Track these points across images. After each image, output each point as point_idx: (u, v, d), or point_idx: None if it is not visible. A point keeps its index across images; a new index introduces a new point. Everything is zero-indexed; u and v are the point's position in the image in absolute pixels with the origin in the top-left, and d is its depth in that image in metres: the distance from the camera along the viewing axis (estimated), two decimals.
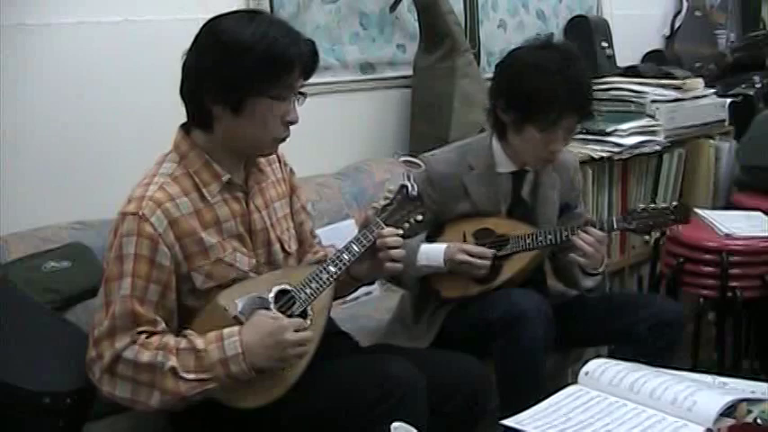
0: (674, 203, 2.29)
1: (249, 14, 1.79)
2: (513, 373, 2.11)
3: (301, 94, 1.80)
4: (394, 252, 1.88)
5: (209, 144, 1.80)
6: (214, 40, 1.74)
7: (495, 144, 2.33)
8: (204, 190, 1.77)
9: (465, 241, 2.29)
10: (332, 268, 1.82)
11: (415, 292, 2.38)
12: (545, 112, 2.17)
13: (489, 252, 2.24)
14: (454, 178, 2.30)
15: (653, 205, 2.28)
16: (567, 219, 2.39)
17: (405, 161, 2.13)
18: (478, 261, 2.23)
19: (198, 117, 1.78)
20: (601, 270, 2.28)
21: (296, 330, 1.72)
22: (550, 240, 2.24)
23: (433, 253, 2.25)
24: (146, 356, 1.66)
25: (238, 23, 1.74)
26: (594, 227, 2.22)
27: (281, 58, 1.72)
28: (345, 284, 1.94)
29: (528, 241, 2.25)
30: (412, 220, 1.94)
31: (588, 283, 2.30)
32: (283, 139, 1.82)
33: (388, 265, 1.88)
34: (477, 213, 2.32)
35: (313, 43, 1.81)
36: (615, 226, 2.28)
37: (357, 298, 2.65)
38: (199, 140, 1.80)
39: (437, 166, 2.30)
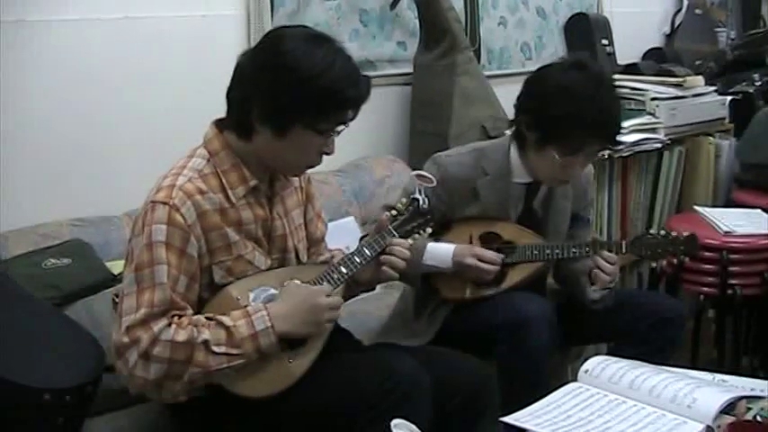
0: (686, 234, 2.27)
1: (317, 39, 1.74)
2: (517, 377, 2.09)
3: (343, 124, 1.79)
4: (397, 261, 1.89)
5: (240, 149, 1.79)
6: (277, 59, 1.70)
7: (514, 153, 2.28)
8: (230, 192, 1.77)
9: (471, 243, 2.27)
10: (343, 269, 1.84)
11: (417, 287, 2.36)
12: (569, 138, 2.13)
13: (499, 258, 2.23)
14: (467, 181, 2.26)
15: (663, 233, 2.28)
16: (576, 230, 2.39)
17: (417, 175, 2.12)
18: (488, 267, 2.21)
19: (238, 126, 1.77)
20: (612, 286, 2.27)
21: (327, 296, 1.77)
22: (557, 254, 2.23)
23: (440, 253, 2.22)
24: (182, 335, 1.66)
25: (305, 49, 1.70)
26: (604, 248, 2.22)
27: (341, 97, 1.71)
28: (345, 288, 1.94)
29: (535, 252, 2.24)
30: (421, 232, 1.98)
31: (595, 295, 2.28)
32: (313, 166, 1.84)
33: (385, 268, 1.90)
34: (486, 217, 2.30)
35: (369, 82, 1.78)
36: (624, 250, 2.27)
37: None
38: (231, 142, 1.79)
39: (451, 167, 2.26)
